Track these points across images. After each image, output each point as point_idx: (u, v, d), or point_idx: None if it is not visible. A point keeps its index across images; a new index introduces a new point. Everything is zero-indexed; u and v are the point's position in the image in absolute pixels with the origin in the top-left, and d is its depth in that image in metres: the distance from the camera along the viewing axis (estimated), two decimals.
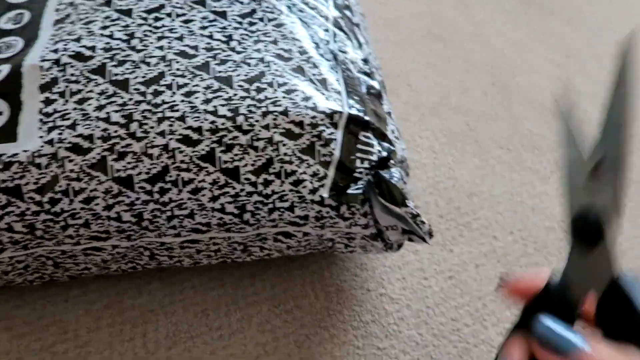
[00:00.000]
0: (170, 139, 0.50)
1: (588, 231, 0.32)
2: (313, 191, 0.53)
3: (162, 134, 0.50)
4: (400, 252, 0.71)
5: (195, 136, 0.51)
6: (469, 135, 0.87)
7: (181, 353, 0.62)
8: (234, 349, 0.63)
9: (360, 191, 0.53)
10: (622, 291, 0.29)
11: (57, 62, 0.52)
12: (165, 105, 0.51)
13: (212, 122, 0.51)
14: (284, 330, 0.65)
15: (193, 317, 0.65)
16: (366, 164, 0.54)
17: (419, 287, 0.70)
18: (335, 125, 0.54)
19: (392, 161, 0.56)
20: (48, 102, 0.51)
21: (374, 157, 0.54)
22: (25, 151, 0.50)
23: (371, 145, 0.54)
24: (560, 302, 0.32)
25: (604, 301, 0.30)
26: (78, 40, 0.54)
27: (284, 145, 0.52)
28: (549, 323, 0.30)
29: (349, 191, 0.53)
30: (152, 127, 0.50)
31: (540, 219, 0.79)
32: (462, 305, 0.69)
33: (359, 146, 0.54)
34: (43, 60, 0.52)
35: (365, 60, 0.64)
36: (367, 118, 0.55)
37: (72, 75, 0.52)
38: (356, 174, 0.54)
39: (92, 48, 0.54)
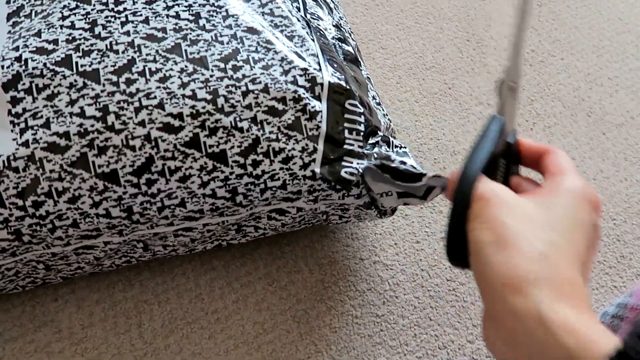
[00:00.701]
0: (151, 128, 0.49)
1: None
2: (304, 166, 0.52)
3: (141, 123, 0.49)
4: (390, 219, 0.71)
5: (176, 123, 0.49)
6: (448, 94, 0.87)
7: (179, 340, 0.62)
8: (232, 331, 0.63)
9: (353, 178, 0.52)
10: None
11: (18, 59, 0.50)
12: (141, 94, 0.49)
13: (192, 107, 0.49)
14: (281, 307, 0.65)
15: (188, 303, 0.65)
16: (355, 134, 0.53)
17: (412, 251, 0.70)
18: (318, 97, 0.52)
19: (379, 132, 0.55)
20: (15, 101, 0.49)
21: (362, 127, 0.53)
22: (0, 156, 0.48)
23: (358, 114, 0.53)
24: None
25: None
26: (38, 34, 0.52)
27: (269, 123, 0.51)
28: None
29: (342, 174, 0.52)
30: (130, 118, 0.48)
31: (525, 171, 0.78)
32: None
33: (346, 115, 0.53)
34: (3, 59, 0.50)
35: (338, 26, 0.63)
36: (349, 86, 0.54)
37: (34, 69, 0.50)
38: (346, 146, 0.53)
39: (55, 41, 0.51)
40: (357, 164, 0.52)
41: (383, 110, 0.60)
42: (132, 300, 0.64)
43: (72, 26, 0.52)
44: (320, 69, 0.54)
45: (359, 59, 0.62)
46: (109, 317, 0.63)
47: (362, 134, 0.53)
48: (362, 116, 0.53)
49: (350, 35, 0.66)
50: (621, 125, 0.87)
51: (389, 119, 0.60)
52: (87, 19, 0.53)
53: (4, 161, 0.48)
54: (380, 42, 0.92)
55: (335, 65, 0.56)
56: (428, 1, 1.01)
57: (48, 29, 0.52)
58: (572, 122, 0.86)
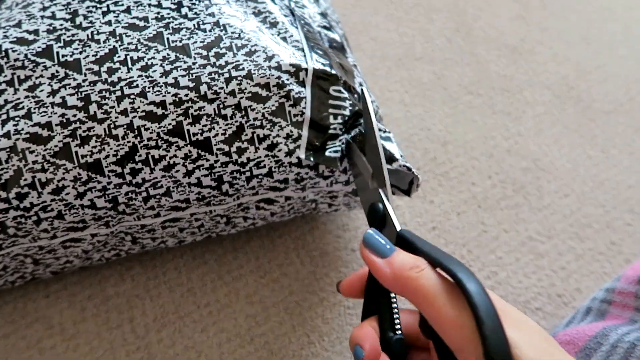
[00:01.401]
0: (134, 116, 0.48)
1: (378, 218, 0.44)
2: (289, 153, 0.52)
3: (124, 112, 0.48)
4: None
5: (159, 111, 0.49)
6: (438, 84, 0.87)
7: (172, 334, 0.62)
8: (225, 324, 0.63)
9: (338, 154, 0.52)
10: (405, 240, 0.40)
11: None
12: (123, 83, 0.49)
13: (175, 95, 0.49)
14: (273, 300, 0.65)
15: (180, 298, 0.65)
16: (340, 119, 0.53)
17: None
18: (302, 83, 0.52)
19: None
20: None
21: (347, 112, 0.53)
22: None
23: (343, 100, 0.53)
24: None
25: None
26: (19, 25, 0.52)
27: (253, 109, 0.51)
28: (373, 233, 0.41)
29: (327, 154, 0.52)
30: (112, 107, 0.48)
31: (516, 160, 0.79)
32: None
33: (331, 101, 0.53)
34: None
35: (324, 15, 0.63)
36: (334, 71, 0.54)
37: (16, 60, 0.49)
38: (331, 131, 0.52)
39: (35, 32, 0.51)
40: (340, 142, 0.52)
41: (371, 96, 0.60)
42: (124, 295, 0.64)
43: (53, 16, 0.52)
44: (304, 55, 0.54)
45: (346, 47, 0.62)
46: (101, 312, 0.63)
47: (346, 118, 0.53)
48: (347, 101, 0.53)
49: (338, 24, 0.66)
50: (609, 113, 0.87)
51: (376, 105, 0.60)
52: (68, 9, 0.52)
53: None
54: (370, 33, 0.93)
55: (320, 52, 0.56)
56: None
57: (29, 19, 0.52)
58: (561, 110, 0.87)
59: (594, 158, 0.83)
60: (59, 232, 0.52)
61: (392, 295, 0.43)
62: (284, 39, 0.55)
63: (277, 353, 0.62)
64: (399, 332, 0.42)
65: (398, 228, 0.42)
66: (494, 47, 0.95)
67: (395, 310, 0.42)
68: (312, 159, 0.52)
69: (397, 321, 0.42)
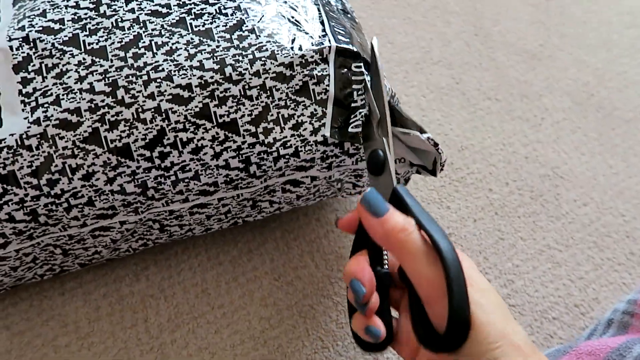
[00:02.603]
0: (161, 100, 0.51)
1: (377, 166, 0.49)
2: (314, 132, 0.54)
3: (151, 96, 0.51)
4: None
5: (185, 94, 0.52)
6: (456, 89, 0.89)
7: (185, 335, 0.64)
8: (239, 326, 0.65)
9: (359, 129, 0.54)
10: (398, 197, 0.46)
11: (26, 39, 0.53)
12: (149, 67, 0.52)
13: (201, 77, 0.52)
14: (287, 302, 0.67)
15: (194, 298, 0.67)
16: (362, 95, 0.55)
17: None
18: (325, 61, 0.55)
19: None
20: (25, 81, 0.51)
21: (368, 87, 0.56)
22: (12, 135, 0.50)
23: (363, 75, 0.56)
24: None
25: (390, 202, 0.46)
26: (44, 14, 0.54)
27: (277, 89, 0.53)
28: (372, 192, 0.45)
29: (350, 129, 0.54)
30: (139, 92, 0.51)
31: (534, 167, 0.81)
32: None
33: (354, 78, 0.55)
34: (10, 40, 0.53)
35: (344, 11, 0.66)
36: (355, 48, 0.56)
37: (44, 50, 0.52)
38: (354, 106, 0.55)
39: (61, 21, 0.54)
40: (360, 114, 0.54)
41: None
42: (139, 295, 0.66)
43: (77, 6, 0.55)
44: (326, 34, 0.57)
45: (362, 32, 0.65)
46: (115, 311, 0.65)
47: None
48: (368, 77, 0.56)
49: (352, 13, 0.69)
50: (630, 121, 0.89)
51: (390, 88, 0.63)
52: None
53: (16, 140, 0.50)
54: (387, 36, 0.95)
55: (342, 30, 0.58)
56: None
57: (53, 9, 0.55)
58: (581, 118, 0.89)
59: (614, 167, 0.84)
60: (88, 220, 0.54)
61: None
62: (306, 19, 0.58)
63: (290, 356, 0.63)
64: (386, 266, 0.49)
65: (394, 183, 0.47)
66: (513, 52, 0.97)
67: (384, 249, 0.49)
68: (337, 136, 0.54)
69: (385, 257, 0.48)
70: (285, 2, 0.59)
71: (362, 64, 0.56)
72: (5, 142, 0.50)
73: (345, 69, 0.55)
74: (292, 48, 0.54)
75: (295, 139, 0.54)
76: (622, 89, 0.95)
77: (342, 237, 0.73)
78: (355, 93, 0.55)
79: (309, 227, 0.73)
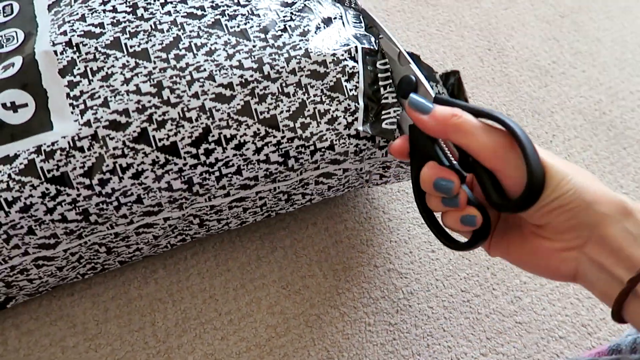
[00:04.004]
0: (205, 99, 0.58)
1: (410, 89, 0.58)
2: (348, 126, 0.62)
3: (195, 95, 0.58)
4: (406, 226, 0.81)
5: (227, 92, 0.59)
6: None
7: (192, 340, 0.70)
8: (245, 333, 0.72)
9: (394, 126, 0.62)
10: (442, 101, 0.55)
11: (69, 43, 0.59)
12: (191, 68, 0.59)
13: (241, 76, 0.59)
14: (294, 311, 0.74)
15: (202, 304, 0.73)
16: (389, 88, 0.63)
17: (427, 260, 0.81)
18: (354, 59, 0.63)
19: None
20: (72, 85, 0.57)
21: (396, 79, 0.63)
22: (64, 137, 0.56)
23: (390, 71, 0.64)
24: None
25: None
26: (83, 19, 0.61)
27: (312, 86, 0.62)
28: (416, 95, 0.53)
29: (384, 126, 0.62)
30: (184, 91, 0.58)
31: None
32: (471, 276, 0.80)
33: (380, 74, 0.63)
34: (54, 45, 0.59)
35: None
36: (379, 47, 0.64)
37: (87, 54, 0.59)
38: (383, 101, 0.63)
39: (100, 25, 0.60)
40: (394, 112, 0.62)
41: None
42: (147, 298, 0.73)
43: (114, 10, 0.61)
44: (351, 35, 0.65)
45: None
46: (123, 313, 0.71)
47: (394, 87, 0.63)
48: (392, 73, 0.64)
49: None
50: None
51: None
52: (128, 3, 0.62)
53: (69, 142, 0.56)
54: None
55: (364, 32, 0.66)
56: (450, 9, 1.13)
57: (91, 13, 0.61)
58: (593, 136, 0.97)
59: (624, 186, 0.91)
60: (136, 217, 0.61)
61: (442, 145, 0.56)
62: (330, 18, 0.66)
63: None
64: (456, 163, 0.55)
65: (433, 94, 0.55)
66: (526, 68, 1.05)
67: (447, 151, 0.56)
68: (369, 130, 0.62)
69: (451, 157, 0.55)
70: (310, 1, 0.67)
71: (386, 61, 0.64)
72: (57, 145, 0.56)
73: (372, 66, 0.63)
74: (323, 46, 0.62)
75: (330, 133, 0.62)
76: (634, 108, 1.03)
77: (350, 249, 0.79)
78: (382, 89, 0.63)
79: (318, 236, 0.80)
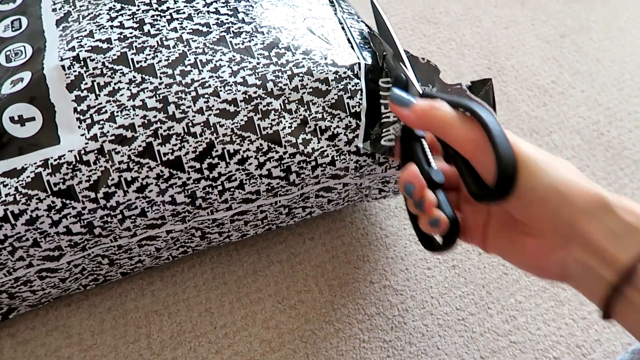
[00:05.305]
0: (209, 114, 0.61)
1: (401, 86, 0.61)
2: (349, 142, 0.65)
3: (200, 111, 0.61)
4: (402, 243, 0.84)
5: (232, 108, 0.61)
6: None
7: (186, 353, 0.72)
8: (240, 347, 0.74)
9: (392, 143, 0.65)
10: (427, 96, 0.57)
11: (76, 59, 0.61)
12: (196, 84, 0.61)
13: (245, 93, 0.62)
14: (289, 326, 0.76)
15: (197, 317, 0.75)
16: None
17: (423, 278, 0.82)
18: (357, 76, 0.65)
19: None
20: (79, 99, 0.60)
21: None
22: (70, 151, 0.59)
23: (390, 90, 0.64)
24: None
25: None
26: (91, 35, 0.63)
27: (314, 103, 0.64)
28: (397, 90, 0.56)
29: (382, 143, 0.65)
30: (189, 107, 0.60)
31: None
32: (466, 294, 0.82)
33: (382, 93, 0.66)
34: (62, 60, 0.61)
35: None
36: (381, 65, 0.67)
37: (94, 69, 0.61)
38: (384, 119, 0.65)
39: (108, 40, 0.63)
40: (394, 129, 0.65)
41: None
42: (143, 310, 0.75)
43: (122, 26, 0.64)
44: (354, 52, 0.68)
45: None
46: (119, 325, 0.73)
47: None
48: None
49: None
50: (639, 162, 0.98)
51: None
52: (135, 19, 0.65)
53: (75, 156, 0.58)
54: None
55: (367, 48, 0.69)
56: (451, 27, 1.16)
57: (99, 29, 0.64)
58: (590, 156, 0.99)
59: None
60: (139, 230, 0.63)
61: (425, 145, 0.59)
62: (334, 36, 0.68)
63: None
64: (435, 167, 0.57)
65: (420, 91, 0.58)
66: (526, 87, 1.08)
67: (428, 151, 0.58)
68: (369, 147, 0.64)
69: (430, 158, 0.58)
70: (315, 20, 0.70)
71: (389, 79, 0.66)
72: (64, 158, 0.58)
73: (374, 84, 0.66)
74: (326, 64, 0.65)
75: (331, 149, 0.64)
76: (632, 129, 1.05)
77: (347, 264, 0.81)
78: (384, 107, 0.65)
79: (314, 251, 0.82)
